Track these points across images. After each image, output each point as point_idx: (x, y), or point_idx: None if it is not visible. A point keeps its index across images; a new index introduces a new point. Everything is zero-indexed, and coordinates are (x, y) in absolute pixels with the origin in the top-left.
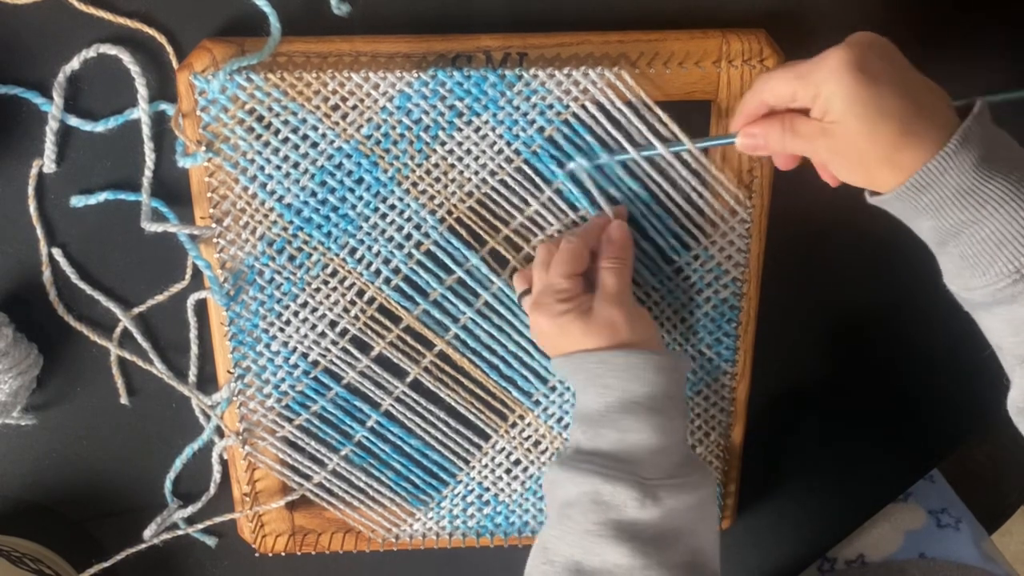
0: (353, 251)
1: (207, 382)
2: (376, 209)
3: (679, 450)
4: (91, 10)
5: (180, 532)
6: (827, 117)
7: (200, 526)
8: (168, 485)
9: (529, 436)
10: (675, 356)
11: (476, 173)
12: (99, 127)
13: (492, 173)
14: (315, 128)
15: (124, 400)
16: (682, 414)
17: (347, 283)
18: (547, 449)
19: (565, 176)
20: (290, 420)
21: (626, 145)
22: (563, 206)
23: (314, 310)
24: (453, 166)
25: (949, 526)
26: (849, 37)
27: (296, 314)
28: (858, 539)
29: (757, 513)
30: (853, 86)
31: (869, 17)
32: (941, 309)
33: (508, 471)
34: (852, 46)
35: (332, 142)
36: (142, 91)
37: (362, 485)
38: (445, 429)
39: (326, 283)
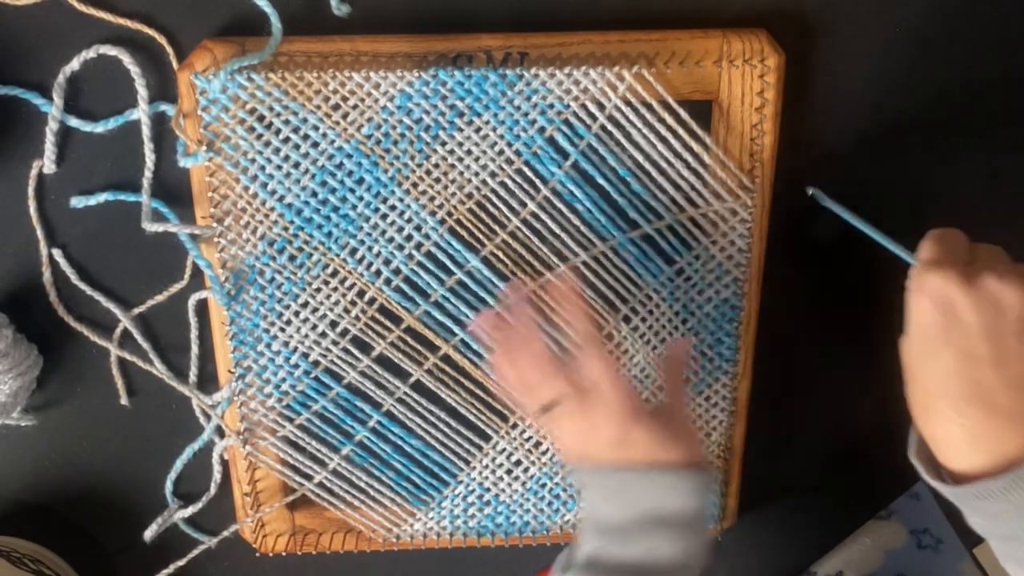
0: (354, 251)
1: (207, 382)
2: (376, 210)
3: (698, 567)
4: (91, 11)
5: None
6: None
7: (208, 539)
8: (168, 485)
9: (530, 437)
10: (703, 475)
11: (476, 174)
12: (99, 128)
13: (492, 175)
14: (316, 128)
15: (124, 401)
16: (703, 532)
17: (348, 283)
18: (547, 450)
19: (563, 176)
20: (291, 420)
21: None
22: (561, 207)
23: (315, 310)
24: (453, 166)
25: (929, 547)
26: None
27: (297, 314)
28: (839, 555)
29: (757, 516)
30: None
31: (868, 16)
32: None
33: (509, 471)
34: None
35: (333, 142)
36: (142, 92)
37: (363, 485)
38: (446, 429)
39: (327, 283)
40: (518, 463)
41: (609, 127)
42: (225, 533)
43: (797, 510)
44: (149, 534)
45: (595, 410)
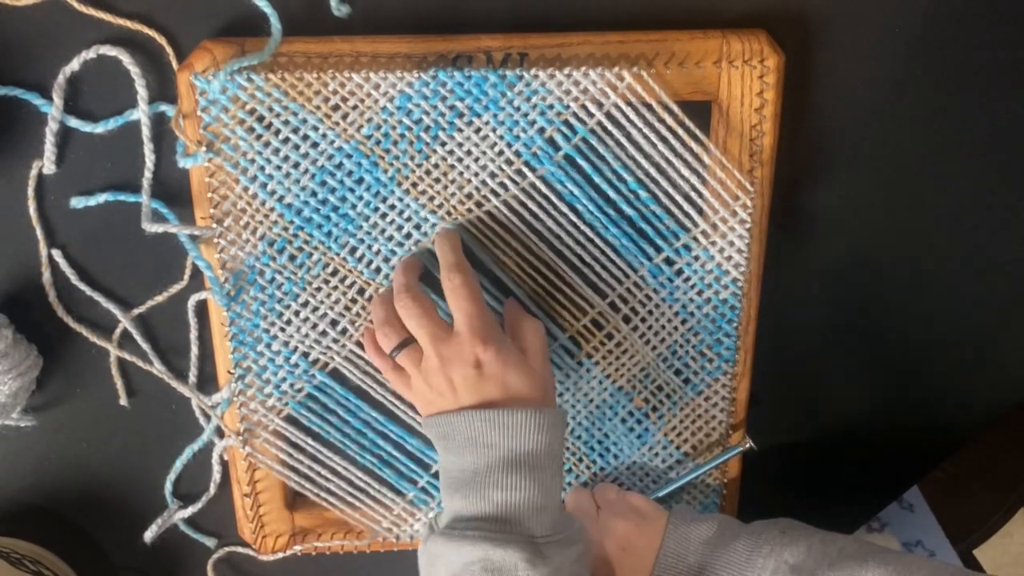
0: (353, 250)
1: (207, 382)
2: (376, 209)
3: (558, 506)
4: (91, 11)
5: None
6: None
7: (208, 540)
8: (168, 486)
9: None
10: (555, 413)
11: (476, 175)
12: (99, 128)
13: (492, 175)
14: (315, 128)
15: (124, 401)
16: (560, 470)
17: (348, 282)
18: None
19: (561, 174)
20: (291, 420)
21: None
22: (562, 207)
23: (315, 309)
24: (453, 167)
25: None
26: None
27: (297, 314)
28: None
29: (756, 516)
30: None
31: (868, 16)
32: (939, 306)
33: None
34: None
35: (332, 142)
36: (142, 92)
37: (362, 484)
38: None
39: (327, 282)
40: None
41: (609, 127)
42: (236, 549)
43: (797, 510)
44: (149, 534)
45: (447, 346)
